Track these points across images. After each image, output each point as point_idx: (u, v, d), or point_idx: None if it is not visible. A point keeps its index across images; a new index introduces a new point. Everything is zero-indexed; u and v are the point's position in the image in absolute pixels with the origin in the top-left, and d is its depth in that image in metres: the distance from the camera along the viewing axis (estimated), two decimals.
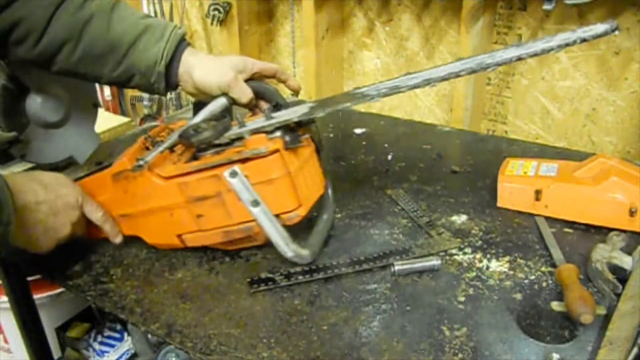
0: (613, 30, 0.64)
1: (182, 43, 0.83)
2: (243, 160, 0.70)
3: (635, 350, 0.56)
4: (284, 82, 0.89)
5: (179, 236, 0.77)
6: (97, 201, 0.79)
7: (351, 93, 0.75)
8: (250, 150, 0.69)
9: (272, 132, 0.72)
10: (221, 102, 0.82)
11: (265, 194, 0.69)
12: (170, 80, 0.83)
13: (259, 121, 0.75)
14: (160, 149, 0.75)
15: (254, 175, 0.69)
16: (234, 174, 0.68)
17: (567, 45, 0.66)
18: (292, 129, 0.74)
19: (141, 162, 0.73)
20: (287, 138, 0.70)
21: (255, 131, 0.72)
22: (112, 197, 0.78)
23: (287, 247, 0.70)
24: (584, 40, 0.65)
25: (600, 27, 0.65)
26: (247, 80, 0.84)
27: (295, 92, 0.90)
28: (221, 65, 0.82)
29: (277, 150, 0.69)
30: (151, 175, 0.74)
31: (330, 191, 0.83)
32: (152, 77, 0.82)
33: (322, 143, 0.81)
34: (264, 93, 0.84)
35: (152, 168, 0.74)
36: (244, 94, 0.83)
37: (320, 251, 0.77)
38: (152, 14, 2.14)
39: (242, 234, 0.73)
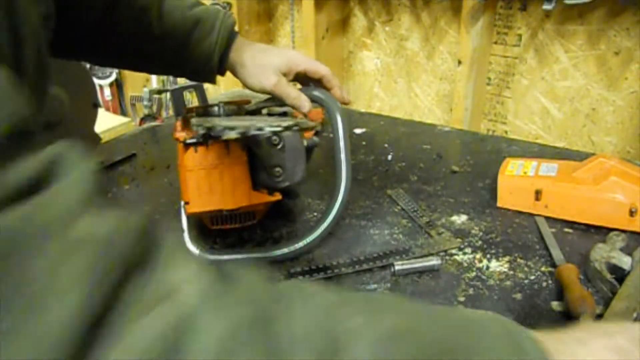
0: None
1: (232, 35, 0.80)
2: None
3: None
4: (328, 89, 0.81)
5: None
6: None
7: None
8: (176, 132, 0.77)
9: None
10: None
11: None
12: (220, 70, 0.82)
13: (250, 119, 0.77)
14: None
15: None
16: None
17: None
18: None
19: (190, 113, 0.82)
20: (200, 137, 0.72)
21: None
22: None
23: (187, 234, 0.76)
24: None
25: None
26: (304, 85, 0.81)
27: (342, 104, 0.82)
28: (262, 69, 0.78)
29: (181, 141, 0.74)
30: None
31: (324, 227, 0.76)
32: (203, 72, 0.81)
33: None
34: (321, 102, 0.79)
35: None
36: (288, 97, 0.78)
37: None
38: None
39: None
